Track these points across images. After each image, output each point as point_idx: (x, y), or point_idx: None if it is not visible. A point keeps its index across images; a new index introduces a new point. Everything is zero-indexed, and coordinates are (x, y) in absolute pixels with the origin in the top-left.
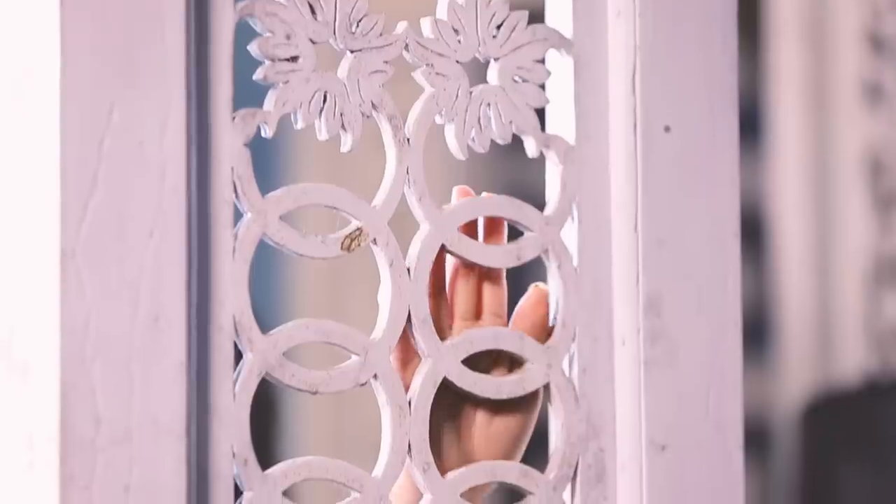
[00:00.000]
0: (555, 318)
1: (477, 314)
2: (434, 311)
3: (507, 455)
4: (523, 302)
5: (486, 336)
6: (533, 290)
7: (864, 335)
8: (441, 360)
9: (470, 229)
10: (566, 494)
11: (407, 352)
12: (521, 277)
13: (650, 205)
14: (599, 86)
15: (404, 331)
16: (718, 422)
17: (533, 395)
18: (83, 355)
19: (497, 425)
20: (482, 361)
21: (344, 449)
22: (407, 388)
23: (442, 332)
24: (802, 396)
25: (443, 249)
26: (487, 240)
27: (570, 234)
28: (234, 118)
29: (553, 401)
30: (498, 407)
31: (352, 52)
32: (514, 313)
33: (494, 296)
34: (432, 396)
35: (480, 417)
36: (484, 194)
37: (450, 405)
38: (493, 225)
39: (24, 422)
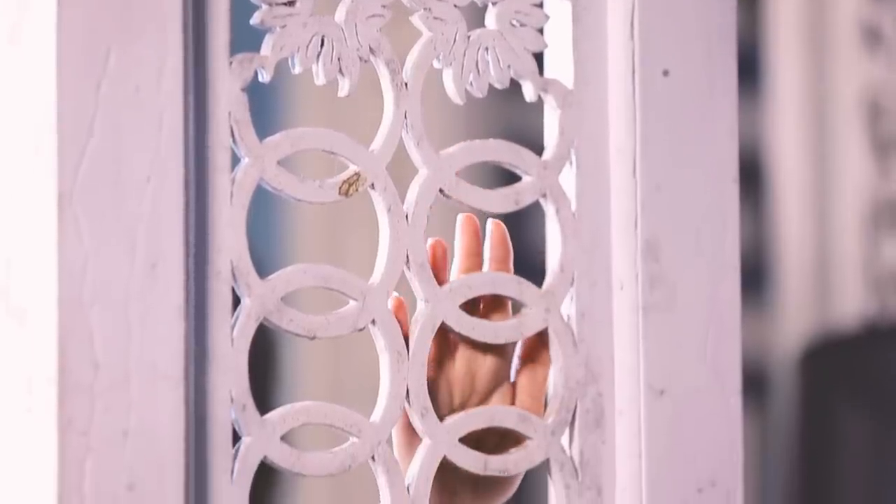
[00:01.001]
0: (553, 263)
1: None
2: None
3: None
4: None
5: (485, 280)
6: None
7: (863, 279)
8: (439, 305)
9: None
10: (564, 439)
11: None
12: (520, 224)
13: (648, 149)
14: (598, 30)
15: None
16: (717, 366)
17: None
18: (81, 300)
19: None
20: (489, 441)
21: (342, 394)
22: (406, 337)
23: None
24: (801, 340)
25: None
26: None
27: (568, 179)
28: (231, 63)
29: (551, 345)
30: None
31: None
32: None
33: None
34: (430, 341)
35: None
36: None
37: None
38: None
39: (23, 366)
